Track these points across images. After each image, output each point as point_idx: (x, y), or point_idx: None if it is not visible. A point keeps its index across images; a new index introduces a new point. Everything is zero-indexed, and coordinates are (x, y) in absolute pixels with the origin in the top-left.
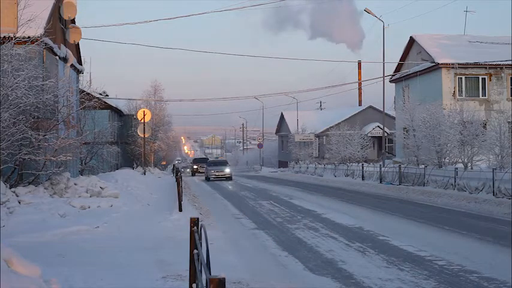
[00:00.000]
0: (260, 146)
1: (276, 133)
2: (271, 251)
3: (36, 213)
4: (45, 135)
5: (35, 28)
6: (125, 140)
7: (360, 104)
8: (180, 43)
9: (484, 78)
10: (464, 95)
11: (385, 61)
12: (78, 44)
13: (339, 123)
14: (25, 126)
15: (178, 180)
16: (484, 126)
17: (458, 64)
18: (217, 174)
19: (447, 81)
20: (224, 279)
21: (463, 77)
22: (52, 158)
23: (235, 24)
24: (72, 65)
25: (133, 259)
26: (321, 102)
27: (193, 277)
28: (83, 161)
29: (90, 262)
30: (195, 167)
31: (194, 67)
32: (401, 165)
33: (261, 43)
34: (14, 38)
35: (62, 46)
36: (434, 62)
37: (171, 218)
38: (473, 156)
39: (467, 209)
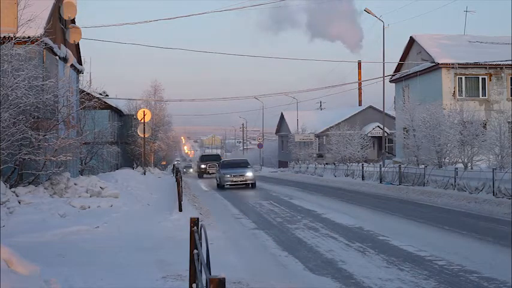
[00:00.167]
0: (260, 146)
1: (276, 133)
2: (271, 251)
3: (36, 213)
4: (45, 135)
5: (35, 28)
6: (125, 140)
7: (360, 104)
8: (180, 43)
9: (484, 78)
10: (464, 95)
11: (385, 61)
12: (78, 44)
13: (339, 123)
14: (25, 126)
15: (178, 180)
16: (484, 126)
17: (458, 64)
18: (235, 180)
19: (447, 81)
20: (224, 279)
21: (463, 77)
22: (52, 158)
23: (235, 24)
24: (72, 65)
25: (133, 259)
26: (321, 102)
27: (193, 277)
28: (83, 161)
29: (90, 262)
30: (202, 166)
31: (194, 67)
32: (401, 165)
33: (261, 43)
34: (14, 38)
35: (62, 46)
36: (434, 62)
37: (171, 218)
38: (473, 156)
39: (467, 209)
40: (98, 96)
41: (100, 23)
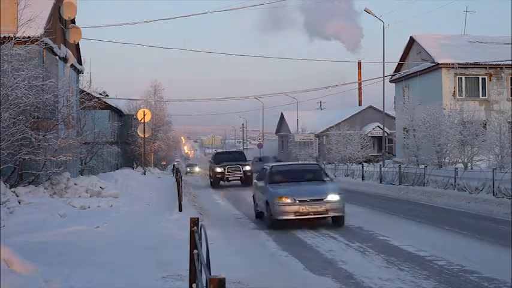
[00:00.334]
0: (260, 146)
1: (276, 133)
2: (271, 251)
3: (36, 213)
4: (45, 135)
5: (35, 28)
6: (125, 140)
7: (360, 104)
8: (180, 43)
9: (484, 78)
10: (464, 95)
11: (385, 61)
12: (78, 44)
13: (339, 123)
14: (25, 126)
15: (178, 180)
16: (484, 126)
17: (458, 64)
18: (308, 211)
19: (447, 81)
20: (224, 279)
21: (463, 77)
22: (52, 158)
23: (235, 24)
24: (72, 65)
25: (133, 259)
26: (321, 102)
27: (193, 277)
28: (83, 161)
29: (90, 262)
30: (218, 170)
31: (194, 67)
32: (401, 165)
33: (261, 43)
34: (14, 38)
35: (62, 46)
36: (434, 62)
37: (171, 218)
38: (473, 156)
39: (467, 209)
40: (98, 96)
41: (100, 23)
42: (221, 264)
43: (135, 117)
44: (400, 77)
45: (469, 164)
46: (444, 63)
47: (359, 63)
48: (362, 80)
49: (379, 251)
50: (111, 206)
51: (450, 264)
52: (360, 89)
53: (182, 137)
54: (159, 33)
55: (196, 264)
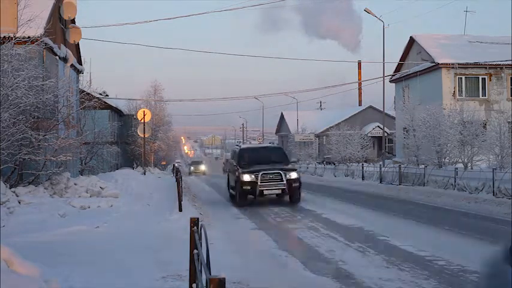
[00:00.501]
0: None
1: (276, 133)
2: (271, 251)
3: (36, 213)
4: (45, 135)
5: (35, 28)
6: (125, 140)
7: (360, 104)
8: (180, 43)
9: (484, 78)
10: (464, 95)
11: (385, 61)
12: (78, 44)
13: (339, 123)
14: (25, 126)
15: (178, 180)
16: (484, 126)
17: (458, 64)
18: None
19: (447, 81)
20: (224, 279)
21: (463, 77)
22: (52, 158)
23: (235, 24)
24: (72, 65)
25: (133, 259)
26: (321, 102)
27: (193, 277)
28: (83, 161)
29: (90, 262)
30: (247, 178)
31: (194, 67)
32: (402, 165)
33: (261, 43)
34: (14, 38)
35: (62, 46)
36: (434, 62)
37: (171, 218)
38: (473, 156)
39: (467, 209)
40: (98, 96)
41: (100, 23)
42: (221, 264)
43: (135, 117)
44: (400, 77)
45: (469, 164)
46: (444, 63)
47: (359, 63)
48: (362, 80)
49: (379, 251)
50: (111, 206)
51: (450, 264)
52: (360, 89)
53: (182, 137)
54: (159, 33)
55: (196, 264)
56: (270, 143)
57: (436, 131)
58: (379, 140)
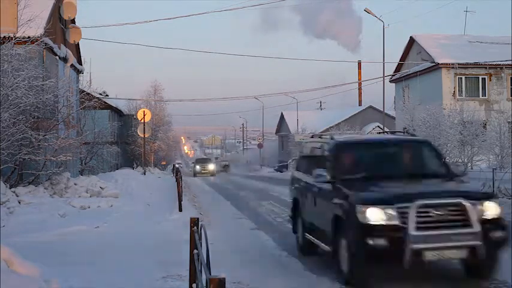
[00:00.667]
0: (260, 146)
1: (276, 133)
2: (272, 251)
3: (36, 213)
4: (45, 135)
5: (35, 28)
6: (125, 140)
7: (360, 104)
8: (180, 43)
9: (484, 78)
10: (464, 95)
11: (385, 61)
12: (78, 44)
13: (339, 123)
14: (25, 126)
15: (178, 180)
16: (484, 126)
17: (458, 64)
18: None
19: (447, 81)
20: (224, 279)
21: (463, 77)
22: (52, 158)
23: (235, 24)
24: (72, 65)
25: (133, 259)
26: (321, 102)
27: (193, 277)
28: (83, 161)
29: (90, 262)
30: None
31: (194, 67)
32: None
33: (261, 43)
34: (14, 38)
35: (62, 46)
36: (434, 62)
37: (171, 218)
38: (473, 156)
39: None
40: (98, 96)
41: (100, 23)
42: (221, 264)
43: (135, 117)
44: (400, 77)
45: (469, 164)
46: (444, 63)
47: (359, 63)
48: (362, 80)
49: None
50: (111, 206)
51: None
52: (360, 89)
53: (182, 137)
54: (159, 33)
55: (196, 264)
56: (390, 132)
57: (436, 131)
58: None
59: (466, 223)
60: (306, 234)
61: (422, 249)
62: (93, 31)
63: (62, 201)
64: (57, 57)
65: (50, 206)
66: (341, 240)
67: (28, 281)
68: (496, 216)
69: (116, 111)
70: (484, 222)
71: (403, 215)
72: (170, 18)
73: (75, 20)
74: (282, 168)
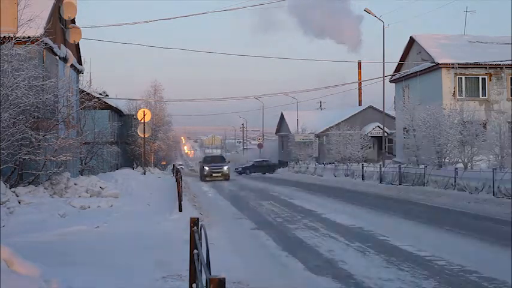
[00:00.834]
0: (260, 146)
1: (276, 133)
2: (271, 251)
3: (36, 213)
4: (45, 135)
5: (35, 28)
6: (125, 140)
7: (360, 104)
8: (180, 43)
9: (484, 78)
10: (464, 95)
11: (385, 61)
12: (78, 44)
13: (339, 123)
14: (25, 126)
15: (178, 180)
16: (484, 126)
17: (458, 64)
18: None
19: (447, 81)
20: (224, 279)
21: (463, 77)
22: (52, 158)
23: (235, 24)
24: (72, 65)
25: (134, 259)
26: (321, 102)
27: (193, 277)
28: (83, 161)
29: (90, 262)
30: None
31: (194, 67)
32: (401, 165)
33: (261, 43)
34: (14, 38)
35: (62, 46)
36: (434, 62)
37: (171, 218)
38: (473, 156)
39: (467, 209)
40: (98, 96)
41: (100, 23)
42: (221, 264)
43: (135, 117)
44: (400, 77)
45: (469, 164)
46: (444, 63)
47: (359, 63)
48: (362, 80)
49: (379, 251)
50: (111, 206)
51: (450, 264)
52: (360, 89)
53: (182, 137)
54: (159, 33)
55: (196, 264)
56: None
57: (436, 131)
58: (379, 140)
59: None
60: None
61: None
62: (93, 31)
63: (62, 201)
64: (57, 57)
65: (50, 206)
66: None
67: (28, 281)
68: None
69: (116, 111)
70: None
71: None
72: (170, 18)
73: (75, 20)
74: (245, 170)
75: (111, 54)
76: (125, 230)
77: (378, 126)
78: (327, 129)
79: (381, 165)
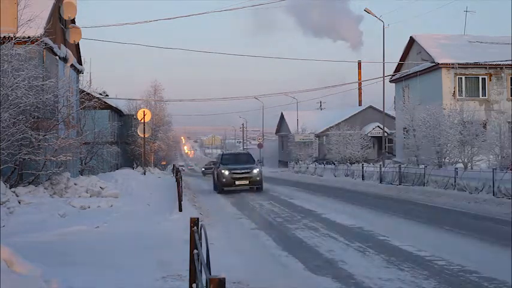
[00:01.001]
0: (260, 146)
1: (276, 133)
2: (271, 251)
3: (36, 213)
4: (45, 135)
5: (35, 28)
6: (125, 140)
7: (360, 104)
8: (180, 43)
9: (484, 78)
10: (464, 95)
11: (385, 61)
12: (78, 44)
13: (339, 123)
14: (25, 126)
15: (178, 180)
16: (484, 126)
17: (458, 64)
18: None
19: (447, 81)
20: (224, 279)
21: (463, 77)
22: (52, 158)
23: (235, 24)
24: (72, 65)
25: (133, 259)
26: (321, 102)
27: (193, 277)
28: (83, 161)
29: (90, 262)
30: None
31: (194, 67)
32: (401, 165)
33: (261, 43)
34: (14, 38)
35: (62, 46)
36: (434, 62)
37: (171, 218)
38: (473, 156)
39: (467, 209)
40: (98, 96)
41: (100, 23)
42: (221, 264)
43: (135, 117)
44: (400, 77)
45: (469, 164)
46: (444, 63)
47: (359, 63)
48: (362, 80)
49: (379, 251)
50: (111, 206)
51: (450, 264)
52: (360, 89)
53: (182, 137)
54: (159, 33)
55: (196, 264)
56: None
57: (436, 131)
58: (379, 140)
59: None
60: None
61: None
62: (93, 31)
63: (62, 201)
64: (57, 57)
65: (50, 206)
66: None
67: (28, 281)
68: None
69: (116, 111)
70: None
71: None
72: (170, 18)
73: (75, 20)
74: (208, 170)
75: (111, 54)
76: (125, 230)
77: (378, 126)
78: (327, 129)
79: (380, 165)
